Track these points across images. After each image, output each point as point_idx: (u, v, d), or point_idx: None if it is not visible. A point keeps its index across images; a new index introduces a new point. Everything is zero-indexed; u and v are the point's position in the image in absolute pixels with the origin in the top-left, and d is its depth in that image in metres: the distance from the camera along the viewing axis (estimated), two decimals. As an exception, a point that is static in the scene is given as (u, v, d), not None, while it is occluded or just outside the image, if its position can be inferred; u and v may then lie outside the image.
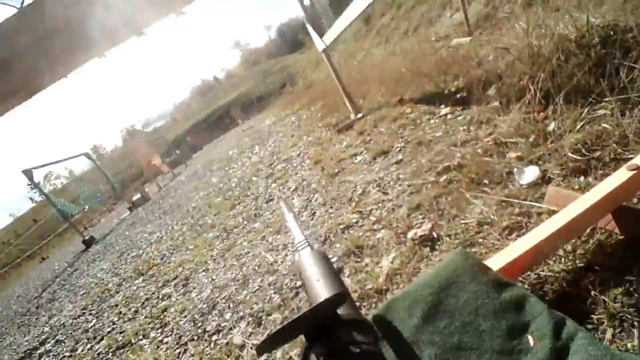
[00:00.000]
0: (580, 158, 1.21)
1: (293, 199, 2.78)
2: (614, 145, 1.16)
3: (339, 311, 0.45)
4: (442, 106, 2.48)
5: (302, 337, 0.42)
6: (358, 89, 4.77)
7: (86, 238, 8.68)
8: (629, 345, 0.73)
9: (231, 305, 1.87)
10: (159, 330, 2.10)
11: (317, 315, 0.40)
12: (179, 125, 33.39)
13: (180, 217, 5.02)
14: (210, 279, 2.34)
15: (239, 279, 2.07)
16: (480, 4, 4.94)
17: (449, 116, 2.30)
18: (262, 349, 0.41)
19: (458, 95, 2.40)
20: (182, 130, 28.21)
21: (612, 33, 1.42)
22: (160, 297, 2.60)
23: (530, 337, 0.67)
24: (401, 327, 0.78)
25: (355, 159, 2.72)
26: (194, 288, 2.37)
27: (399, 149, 2.35)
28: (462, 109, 2.26)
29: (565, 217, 0.91)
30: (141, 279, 3.32)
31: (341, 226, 1.84)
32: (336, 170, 2.70)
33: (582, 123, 1.30)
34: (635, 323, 0.75)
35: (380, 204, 1.83)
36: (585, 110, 1.33)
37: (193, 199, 5.73)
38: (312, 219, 2.18)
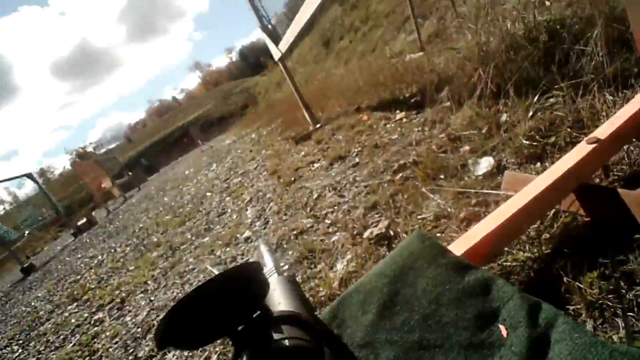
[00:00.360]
0: (535, 144, 1.17)
1: (247, 210, 2.60)
2: (569, 129, 1.13)
3: (274, 310, 0.41)
4: (398, 111, 2.46)
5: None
6: (318, 103, 4.75)
7: (25, 266, 7.86)
8: (615, 338, 0.63)
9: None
10: (87, 359, 1.81)
11: (229, 280, 0.36)
12: (133, 147, 31.89)
13: (125, 238, 4.63)
14: (148, 300, 2.07)
15: (179, 298, 1.84)
16: (432, 25, 5.17)
17: (404, 120, 2.27)
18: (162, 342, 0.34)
19: (412, 100, 2.39)
20: (137, 151, 26.94)
21: (559, 27, 1.44)
22: (92, 322, 2.31)
23: (501, 327, 0.56)
24: (354, 327, 0.65)
25: (313, 166, 2.61)
26: (130, 311, 2.10)
27: (355, 153, 2.27)
28: (417, 112, 2.24)
29: (525, 197, 0.84)
30: (75, 304, 3.00)
31: (294, 232, 1.70)
32: (293, 179, 2.57)
33: (533, 111, 1.28)
34: (619, 311, 0.66)
35: (336, 207, 1.71)
36: (537, 99, 1.31)
37: (141, 220, 5.34)
38: (264, 228, 2.01)
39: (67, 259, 6.50)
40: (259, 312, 0.37)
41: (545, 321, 0.53)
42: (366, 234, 1.30)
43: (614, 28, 1.31)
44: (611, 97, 1.15)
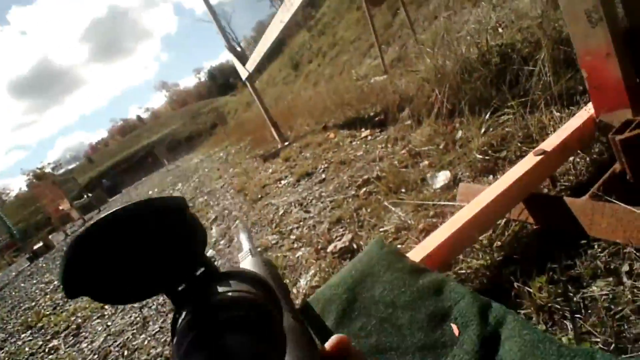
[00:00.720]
0: (487, 158, 1.23)
1: (211, 229, 2.53)
2: (519, 144, 1.20)
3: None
4: (363, 129, 2.52)
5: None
6: (286, 122, 4.78)
7: (-26, 295, 7.12)
8: (564, 339, 0.65)
9: (126, 353, 1.53)
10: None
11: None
12: (95, 167, 30.41)
13: (81, 262, 4.34)
14: (104, 326, 1.93)
15: (138, 321, 1.73)
16: (395, 51, 5.42)
17: (369, 137, 2.33)
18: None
19: (376, 119, 2.47)
20: (98, 172, 25.71)
21: (509, 50, 1.56)
22: (46, 350, 2.13)
23: (453, 326, 0.56)
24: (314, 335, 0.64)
25: (280, 183, 2.60)
26: (86, 338, 1.95)
27: (322, 169, 2.29)
28: (381, 130, 2.31)
29: (476, 206, 0.87)
30: (29, 332, 2.80)
31: (259, 249, 1.66)
32: (259, 196, 2.54)
33: (485, 128, 1.35)
34: (567, 314, 0.69)
35: (301, 222, 1.70)
36: (489, 116, 1.39)
37: (100, 242, 5.03)
38: (228, 246, 1.96)
39: (22, 285, 6.11)
40: (202, 268, 0.31)
41: (496, 319, 0.55)
42: (330, 248, 1.30)
43: (560, 50, 1.44)
44: (558, 114, 1.24)
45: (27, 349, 2.36)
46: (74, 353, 1.82)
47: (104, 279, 0.26)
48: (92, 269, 0.25)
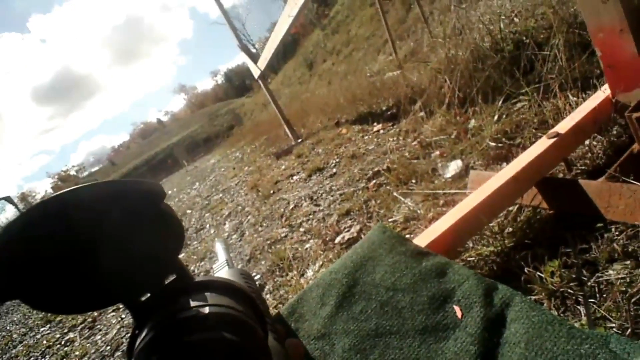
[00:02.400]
0: (501, 145, 1.19)
1: (225, 224, 2.56)
2: (534, 130, 1.16)
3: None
4: (375, 123, 2.50)
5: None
6: (300, 120, 4.79)
7: None
8: (577, 325, 0.62)
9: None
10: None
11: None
12: (117, 169, 31.35)
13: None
14: (119, 319, 1.98)
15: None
16: (409, 46, 5.35)
17: (381, 131, 2.30)
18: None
19: (389, 113, 2.44)
20: (120, 174, 26.48)
21: (524, 38, 1.51)
22: (63, 343, 2.22)
23: (456, 308, 0.54)
24: (312, 320, 0.63)
25: (292, 179, 2.60)
26: (100, 330, 2.00)
27: (334, 164, 2.27)
28: (392, 124, 2.27)
29: (486, 191, 0.84)
30: (47, 326, 2.88)
31: (269, 242, 1.66)
32: (271, 192, 2.55)
33: (498, 115, 1.31)
34: (580, 299, 0.65)
35: (311, 216, 1.69)
36: (503, 104, 1.35)
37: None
38: (240, 240, 1.97)
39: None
40: (173, 276, 0.25)
41: (502, 301, 0.52)
42: (338, 239, 1.29)
43: (575, 34, 1.38)
44: (574, 98, 1.19)
45: (44, 341, 2.45)
46: (88, 345, 1.88)
47: (42, 281, 0.20)
48: (27, 267, 0.19)
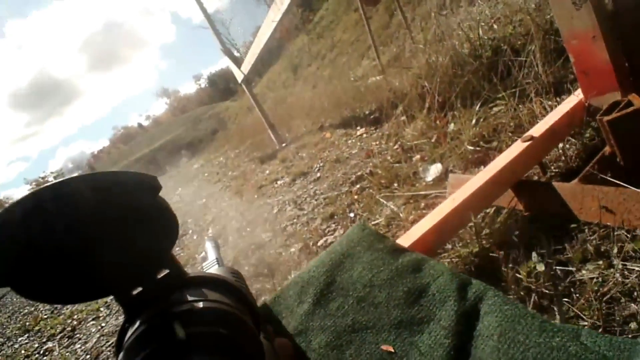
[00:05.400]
0: (478, 149, 1.22)
1: (208, 229, 2.52)
2: (510, 134, 1.19)
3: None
4: (358, 127, 2.52)
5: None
6: (285, 124, 4.78)
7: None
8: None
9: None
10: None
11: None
12: (97, 175, 30.42)
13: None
14: (99, 327, 1.93)
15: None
16: (392, 51, 5.43)
17: (364, 135, 2.32)
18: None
19: (372, 117, 2.46)
20: (101, 179, 25.76)
21: (502, 44, 1.55)
22: (41, 352, 2.14)
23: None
24: (289, 318, 0.62)
25: (276, 183, 2.59)
26: (80, 339, 1.95)
27: (317, 168, 2.28)
28: (376, 127, 2.30)
29: (464, 193, 0.86)
30: (26, 335, 2.82)
31: (253, 246, 1.65)
32: (255, 196, 2.53)
33: (476, 119, 1.34)
34: (555, 298, 0.67)
35: (295, 220, 1.69)
36: (480, 108, 1.38)
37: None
38: (224, 246, 1.94)
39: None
40: (166, 271, 0.25)
41: (475, 295, 0.53)
42: (321, 242, 1.28)
43: (551, 40, 1.42)
44: (549, 102, 1.23)
45: (22, 351, 2.37)
46: (67, 354, 1.82)
47: (33, 270, 0.20)
48: (19, 255, 0.19)
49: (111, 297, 0.24)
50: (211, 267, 0.48)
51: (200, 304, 0.22)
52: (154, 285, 0.24)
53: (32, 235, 0.19)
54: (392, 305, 0.53)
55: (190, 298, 0.23)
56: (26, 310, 4.02)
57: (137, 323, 0.22)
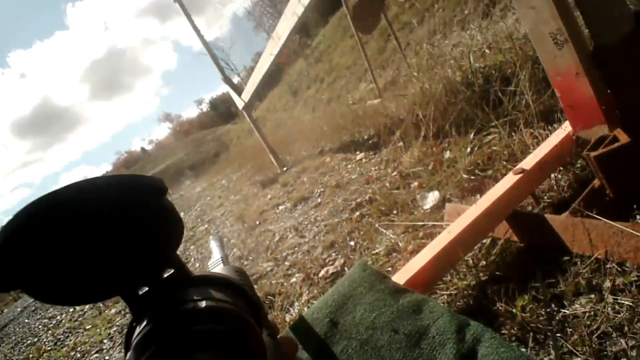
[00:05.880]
0: (474, 178, 1.25)
1: (210, 258, 2.53)
2: (504, 162, 1.22)
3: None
4: (358, 152, 2.56)
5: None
6: (286, 148, 4.85)
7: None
8: (546, 360, 0.65)
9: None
10: None
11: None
12: (99, 199, 30.51)
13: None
14: (101, 361, 1.91)
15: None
16: (389, 75, 5.56)
17: (364, 160, 2.36)
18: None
19: (370, 142, 2.51)
20: (103, 203, 25.81)
21: (493, 72, 1.60)
22: None
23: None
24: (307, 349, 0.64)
25: (278, 208, 2.61)
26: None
27: (318, 194, 2.31)
28: (374, 152, 2.34)
29: (459, 226, 0.88)
30: None
31: (254, 277, 1.66)
32: (257, 222, 2.55)
33: (471, 148, 1.38)
34: (549, 333, 0.68)
35: (296, 248, 1.70)
36: (475, 136, 1.42)
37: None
38: (225, 275, 1.95)
39: (26, 320, 6.13)
40: (171, 270, 0.26)
41: (473, 337, 0.55)
42: (322, 273, 1.30)
43: (540, 69, 1.48)
44: (541, 131, 1.27)
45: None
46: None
47: (43, 272, 0.21)
48: (29, 257, 0.20)
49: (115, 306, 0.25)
50: (216, 266, 0.49)
51: (204, 303, 0.24)
52: (160, 285, 0.25)
53: (42, 238, 0.20)
54: (394, 348, 0.55)
55: (194, 297, 0.24)
56: (29, 342, 3.99)
57: (144, 322, 0.23)
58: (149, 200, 0.23)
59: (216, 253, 0.55)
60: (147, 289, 0.25)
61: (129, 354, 0.22)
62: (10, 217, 0.19)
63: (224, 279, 0.28)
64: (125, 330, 0.24)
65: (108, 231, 0.22)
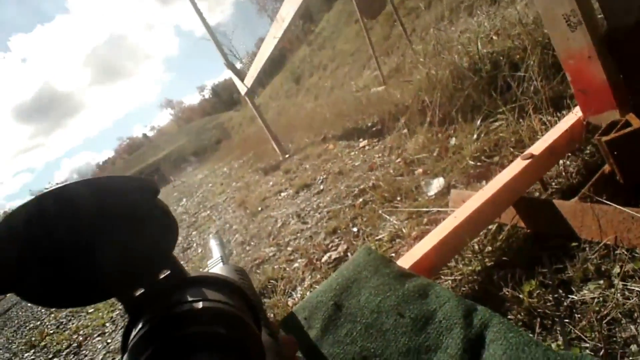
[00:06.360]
0: (480, 164, 1.23)
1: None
2: (511, 149, 1.20)
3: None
4: (361, 139, 2.54)
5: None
6: (288, 135, 4.82)
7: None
8: (553, 345, 0.64)
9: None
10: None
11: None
12: (102, 185, 30.65)
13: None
14: (104, 344, 1.93)
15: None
16: (393, 61, 5.48)
17: (367, 147, 2.34)
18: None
19: (374, 129, 2.48)
20: (105, 190, 25.93)
21: (501, 58, 1.57)
22: None
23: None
24: (299, 343, 0.63)
25: (280, 195, 2.60)
26: (86, 356, 1.95)
27: (321, 180, 2.29)
28: (378, 140, 2.32)
29: (466, 211, 0.87)
30: (32, 351, 2.81)
31: (257, 261, 1.66)
32: (259, 209, 2.54)
33: (478, 134, 1.35)
34: (557, 319, 0.67)
35: (299, 234, 1.70)
36: (481, 123, 1.39)
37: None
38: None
39: (29, 304, 6.14)
40: (167, 271, 0.26)
41: (481, 322, 0.54)
42: (324, 258, 1.29)
43: (549, 54, 1.44)
44: (549, 117, 1.24)
45: (29, 367, 2.38)
46: (74, 371, 1.83)
47: (37, 274, 0.21)
48: (22, 261, 0.20)
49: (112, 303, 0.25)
50: (215, 265, 0.49)
51: (200, 304, 0.23)
52: (156, 286, 0.25)
53: (35, 241, 0.20)
54: (399, 332, 0.54)
55: (190, 298, 0.24)
56: (32, 325, 4.03)
57: (140, 324, 0.23)
58: (143, 201, 0.23)
59: (216, 252, 0.55)
60: (143, 290, 0.25)
61: (125, 357, 0.22)
62: (4, 217, 0.19)
63: (221, 280, 0.28)
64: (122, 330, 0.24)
65: (102, 233, 0.21)
